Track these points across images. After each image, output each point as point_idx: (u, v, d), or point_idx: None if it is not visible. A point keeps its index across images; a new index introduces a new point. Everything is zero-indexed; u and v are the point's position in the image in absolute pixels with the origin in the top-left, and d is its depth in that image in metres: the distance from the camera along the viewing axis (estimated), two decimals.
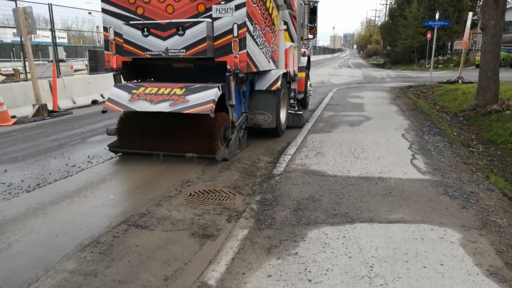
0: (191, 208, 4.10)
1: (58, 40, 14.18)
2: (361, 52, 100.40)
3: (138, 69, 6.60)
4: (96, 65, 16.20)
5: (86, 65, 18.55)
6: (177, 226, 3.67)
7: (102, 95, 12.81)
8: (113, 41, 6.14)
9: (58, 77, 11.46)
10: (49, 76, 11.96)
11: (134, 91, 5.72)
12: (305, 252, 3.12)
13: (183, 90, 5.58)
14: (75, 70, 18.91)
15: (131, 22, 5.77)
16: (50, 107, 10.53)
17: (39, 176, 5.21)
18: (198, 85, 5.65)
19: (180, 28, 5.50)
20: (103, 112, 5.63)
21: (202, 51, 5.56)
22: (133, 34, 5.70)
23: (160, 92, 5.61)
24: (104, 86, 13.05)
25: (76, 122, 9.24)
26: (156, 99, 5.49)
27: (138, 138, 5.93)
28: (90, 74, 15.41)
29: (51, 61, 14.59)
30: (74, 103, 11.69)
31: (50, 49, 15.95)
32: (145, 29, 5.63)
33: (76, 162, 5.87)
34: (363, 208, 3.96)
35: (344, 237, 3.35)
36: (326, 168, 5.27)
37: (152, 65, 6.73)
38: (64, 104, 11.32)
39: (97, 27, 21.53)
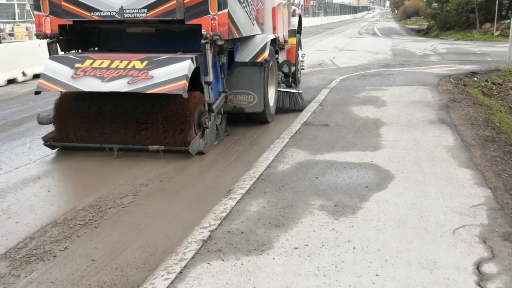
0: None
1: None
2: (396, 11, 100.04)
3: (78, 35, 7.18)
4: None
5: None
6: None
7: None
8: None
9: None
10: None
11: (78, 64, 6.34)
12: None
13: (145, 62, 6.25)
14: None
15: None
16: None
17: None
18: (164, 56, 6.39)
19: None
20: (37, 93, 6.39)
21: (169, 12, 6.28)
22: None
23: (113, 65, 6.28)
24: None
25: None
26: (109, 75, 6.14)
27: (83, 127, 6.50)
28: None
29: None
30: None
31: None
32: None
33: None
34: None
35: None
36: None
37: (97, 29, 7.42)
38: None
39: None
